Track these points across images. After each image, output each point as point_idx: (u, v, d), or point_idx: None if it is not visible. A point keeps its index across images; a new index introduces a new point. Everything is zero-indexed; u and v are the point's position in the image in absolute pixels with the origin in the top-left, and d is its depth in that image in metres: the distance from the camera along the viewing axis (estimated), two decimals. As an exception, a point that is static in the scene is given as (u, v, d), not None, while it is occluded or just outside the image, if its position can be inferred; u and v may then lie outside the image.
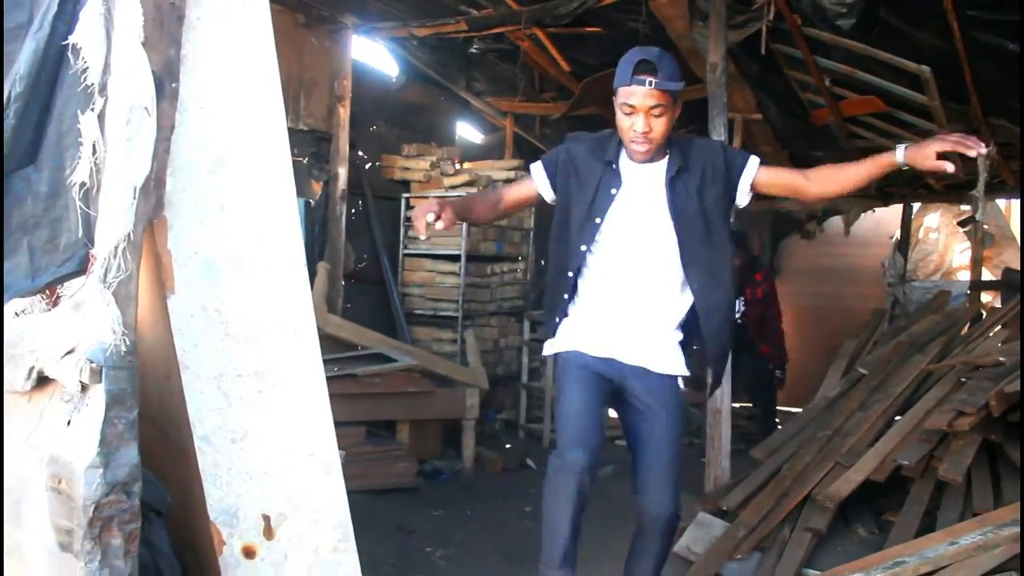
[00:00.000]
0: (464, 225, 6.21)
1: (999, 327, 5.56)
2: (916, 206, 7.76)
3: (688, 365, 2.79)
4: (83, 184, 2.00)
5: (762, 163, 2.76)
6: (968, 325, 5.87)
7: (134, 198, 1.99)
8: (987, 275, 7.09)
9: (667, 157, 2.66)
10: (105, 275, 1.95)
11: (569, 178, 2.74)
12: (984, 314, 6.09)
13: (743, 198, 2.74)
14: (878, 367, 5.39)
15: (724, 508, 4.29)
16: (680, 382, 2.77)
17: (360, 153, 6.54)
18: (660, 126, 2.55)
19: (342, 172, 6.05)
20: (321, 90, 6.08)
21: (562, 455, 2.56)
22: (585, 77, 6.10)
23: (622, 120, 2.58)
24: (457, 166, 6.60)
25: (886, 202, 7.51)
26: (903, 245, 7.50)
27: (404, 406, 4.98)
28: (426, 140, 6.82)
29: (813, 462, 4.43)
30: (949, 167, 2.58)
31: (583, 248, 2.70)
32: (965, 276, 7.44)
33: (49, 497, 1.98)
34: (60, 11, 1.96)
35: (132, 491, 1.97)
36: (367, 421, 4.85)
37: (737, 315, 6.33)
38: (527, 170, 6.45)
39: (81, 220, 2.05)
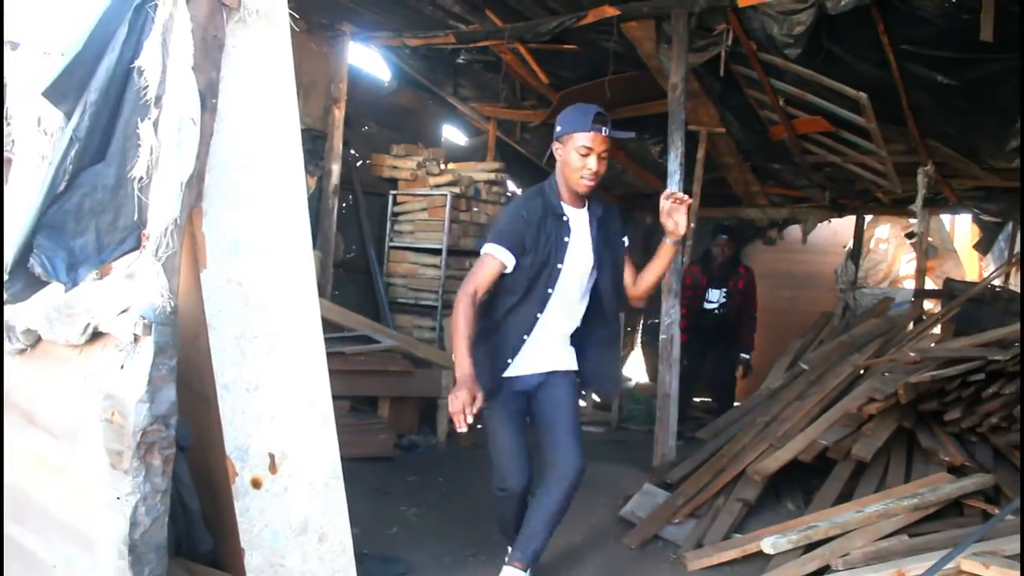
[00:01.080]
0: (446, 221, 6.73)
1: (935, 330, 6.13)
2: (868, 218, 8.32)
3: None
4: (141, 178, 2.51)
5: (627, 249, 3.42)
6: (912, 326, 6.40)
7: (181, 190, 2.50)
8: (930, 284, 7.65)
9: (588, 206, 3.28)
10: (157, 251, 2.45)
11: (527, 239, 3.17)
12: (923, 318, 6.63)
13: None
14: (819, 363, 5.92)
15: (668, 481, 4.82)
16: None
17: (352, 151, 7.05)
18: (603, 168, 3.14)
19: (335, 168, 6.55)
20: (319, 92, 6.58)
21: (505, 487, 3.30)
22: (562, 88, 6.63)
23: (575, 161, 3.11)
24: (442, 166, 7.11)
25: (840, 213, 8.07)
26: (855, 254, 8.05)
27: (385, 383, 5.50)
28: (414, 141, 7.33)
29: (750, 444, 4.96)
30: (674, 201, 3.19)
31: (549, 291, 3.24)
32: (911, 285, 7.98)
33: (103, 426, 2.48)
34: (128, 40, 2.48)
35: (170, 423, 2.48)
36: (351, 396, 5.36)
37: (716, 305, 6.82)
38: (507, 172, 6.98)
39: (137, 208, 2.55)
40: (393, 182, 7.17)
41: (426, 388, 5.74)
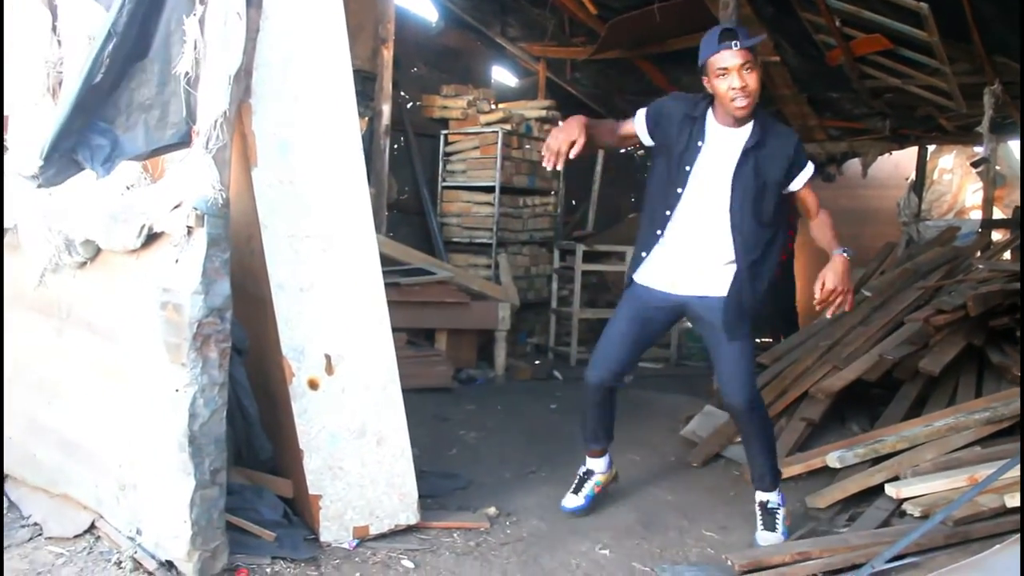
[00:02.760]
0: (498, 159, 6.68)
1: (1005, 255, 5.93)
2: (931, 148, 8.06)
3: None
4: (187, 73, 2.50)
5: (811, 178, 3.22)
6: (979, 255, 6.20)
7: (229, 83, 2.50)
8: (998, 214, 7.40)
9: (751, 128, 3.07)
10: (207, 143, 2.46)
11: (666, 129, 3.15)
12: (991, 246, 6.42)
13: (791, 190, 3.20)
14: (883, 290, 5.77)
15: (729, 404, 4.74)
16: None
17: (402, 93, 7.02)
18: (753, 81, 2.98)
19: (386, 109, 6.52)
20: (366, 33, 6.54)
21: (587, 374, 3.33)
22: (610, 19, 6.50)
23: (719, 85, 2.99)
24: (492, 106, 7.04)
25: (902, 144, 7.82)
26: (918, 186, 7.82)
27: (442, 316, 5.50)
28: (464, 83, 7.27)
29: (813, 366, 4.85)
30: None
31: (679, 190, 3.14)
32: (978, 215, 7.74)
33: (160, 321, 2.50)
34: (168, -66, 2.46)
35: (225, 316, 2.49)
36: (408, 328, 5.38)
37: None
38: (559, 110, 6.91)
39: (185, 104, 2.55)
40: (444, 123, 7.14)
41: (484, 321, 5.73)
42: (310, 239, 2.80)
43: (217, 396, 2.48)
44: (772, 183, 3.10)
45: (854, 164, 8.40)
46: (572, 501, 3.48)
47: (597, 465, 3.53)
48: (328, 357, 2.86)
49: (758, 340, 7.53)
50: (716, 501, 3.70)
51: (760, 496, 3.33)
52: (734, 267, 3.15)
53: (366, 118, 6.52)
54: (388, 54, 6.57)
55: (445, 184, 7.04)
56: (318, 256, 2.82)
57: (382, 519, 3.01)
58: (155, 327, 2.52)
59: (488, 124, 6.81)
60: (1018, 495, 2.92)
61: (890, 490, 3.34)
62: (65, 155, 2.53)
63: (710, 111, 3.11)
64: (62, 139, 2.50)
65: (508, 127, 6.74)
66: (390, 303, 3.02)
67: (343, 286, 2.87)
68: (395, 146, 6.83)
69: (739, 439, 4.36)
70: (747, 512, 3.54)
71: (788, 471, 3.91)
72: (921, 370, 4.25)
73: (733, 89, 2.95)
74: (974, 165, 7.48)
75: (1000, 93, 6.03)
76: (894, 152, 7.97)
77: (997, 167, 7.16)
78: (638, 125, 3.22)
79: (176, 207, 2.49)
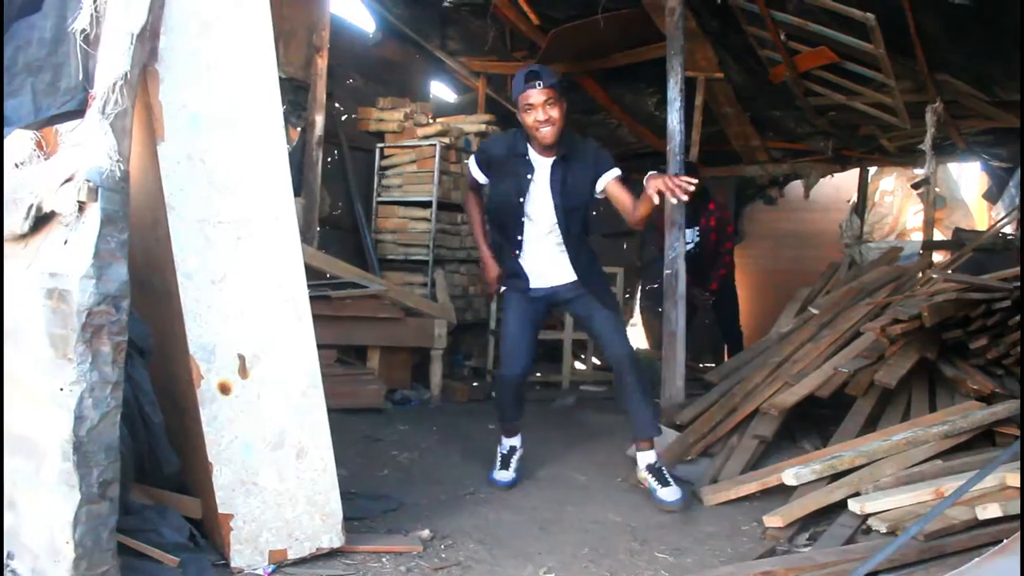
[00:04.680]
0: (436, 173, 6.44)
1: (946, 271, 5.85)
2: (872, 170, 8.05)
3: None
4: (84, 31, 2.21)
5: (619, 178, 3.67)
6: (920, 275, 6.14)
7: (132, 43, 2.21)
8: (939, 236, 7.38)
9: (557, 149, 3.60)
10: (104, 107, 2.16)
11: (497, 169, 3.74)
12: (932, 266, 6.36)
13: (598, 191, 3.67)
14: (829, 308, 5.64)
15: (678, 423, 4.52)
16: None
17: (336, 105, 6.74)
18: (556, 113, 3.48)
19: (319, 120, 6.23)
20: (299, 41, 6.26)
21: (502, 372, 3.86)
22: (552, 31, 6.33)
23: (527, 118, 3.52)
24: (430, 120, 6.80)
25: (844, 166, 7.79)
26: (860, 207, 7.79)
27: (374, 332, 5.19)
28: (401, 96, 7.01)
29: (763, 383, 4.67)
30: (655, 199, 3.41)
31: (522, 220, 3.71)
32: (919, 237, 7.72)
33: (46, 310, 2.18)
34: None
35: (121, 306, 2.18)
36: (338, 345, 5.06)
37: (691, 245, 6.51)
38: (498, 124, 6.70)
39: (82, 66, 2.25)
40: (380, 136, 6.85)
41: (419, 338, 5.43)
42: (223, 225, 2.51)
43: (109, 397, 2.16)
44: (583, 190, 3.65)
45: (796, 187, 8.37)
46: (504, 475, 3.88)
47: (518, 441, 3.99)
48: (242, 358, 2.56)
49: (700, 364, 7.41)
50: (668, 522, 3.45)
51: (645, 459, 3.75)
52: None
53: (298, 129, 6.23)
54: (322, 63, 6.30)
55: (380, 199, 6.74)
56: (232, 244, 2.52)
57: (302, 542, 2.69)
58: (40, 319, 2.20)
59: (426, 137, 6.56)
60: (991, 507, 2.74)
61: (854, 506, 3.14)
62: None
63: (529, 146, 3.63)
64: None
65: (446, 140, 6.49)
66: (319, 317, 2.75)
67: (260, 278, 2.57)
68: (328, 159, 6.53)
69: (690, 457, 4.16)
70: (702, 533, 3.32)
71: (742, 490, 3.72)
72: (877, 382, 4.08)
73: (538, 121, 3.48)
74: (915, 187, 7.47)
75: (941, 112, 6.00)
76: (836, 174, 7.94)
77: (937, 189, 7.13)
78: (475, 173, 3.85)
79: (67, 181, 2.18)
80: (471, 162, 3.87)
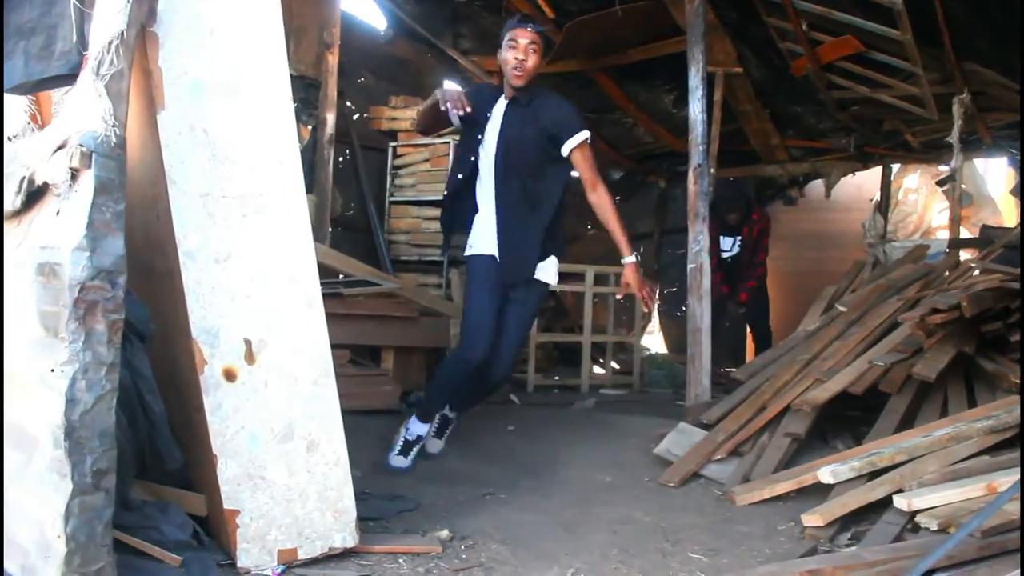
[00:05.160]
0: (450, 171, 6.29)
1: (976, 272, 5.66)
2: (895, 167, 7.85)
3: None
4: (77, -12, 2.06)
5: (585, 144, 3.62)
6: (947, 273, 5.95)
7: (128, 1, 2.05)
8: (965, 234, 7.18)
9: (519, 97, 3.60)
10: (98, 68, 2.01)
11: (473, 113, 3.59)
12: (959, 265, 6.17)
13: (563, 152, 3.61)
14: (857, 305, 5.46)
15: (705, 421, 4.34)
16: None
17: (348, 104, 6.61)
18: (533, 60, 3.52)
19: (330, 118, 6.10)
20: (310, 38, 6.14)
21: (468, 353, 3.57)
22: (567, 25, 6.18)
23: (507, 54, 3.53)
24: (443, 118, 6.65)
25: (865, 164, 7.59)
26: (883, 206, 7.58)
27: (388, 332, 5.02)
28: (413, 95, 6.88)
29: (793, 381, 4.48)
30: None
31: (472, 158, 3.71)
32: (945, 236, 7.52)
33: (36, 286, 2.03)
34: None
35: (117, 282, 2.03)
36: (351, 345, 4.89)
37: (729, 253, 6.40)
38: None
39: (76, 29, 2.10)
40: (392, 135, 6.71)
41: (434, 338, 5.26)
42: (227, 200, 2.35)
43: (104, 379, 2.00)
44: (534, 139, 3.57)
45: (816, 188, 8.18)
46: (401, 461, 3.81)
47: (426, 431, 3.89)
48: (248, 343, 2.39)
49: (721, 370, 7.22)
50: (700, 522, 3.27)
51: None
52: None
53: (309, 127, 6.10)
54: (333, 60, 6.17)
55: (393, 199, 6.60)
56: (237, 221, 2.37)
57: (313, 541, 2.52)
58: (31, 296, 2.05)
59: (439, 135, 6.41)
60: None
61: (900, 502, 2.94)
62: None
63: (501, 92, 3.66)
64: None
65: (460, 138, 6.34)
66: (331, 316, 2.58)
67: (267, 258, 2.41)
68: (340, 159, 6.39)
69: (719, 456, 3.97)
70: (737, 534, 3.14)
71: (776, 489, 3.53)
72: (914, 375, 3.89)
73: (516, 60, 3.50)
74: (940, 183, 7.27)
75: (969, 103, 5.82)
76: (858, 172, 7.73)
77: (963, 186, 6.93)
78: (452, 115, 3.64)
79: (59, 148, 2.03)
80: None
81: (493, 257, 3.62)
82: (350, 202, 6.53)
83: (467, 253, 3.76)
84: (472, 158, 3.72)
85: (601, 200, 3.65)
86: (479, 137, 3.67)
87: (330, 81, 6.15)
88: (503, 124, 3.61)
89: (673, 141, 7.82)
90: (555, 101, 3.68)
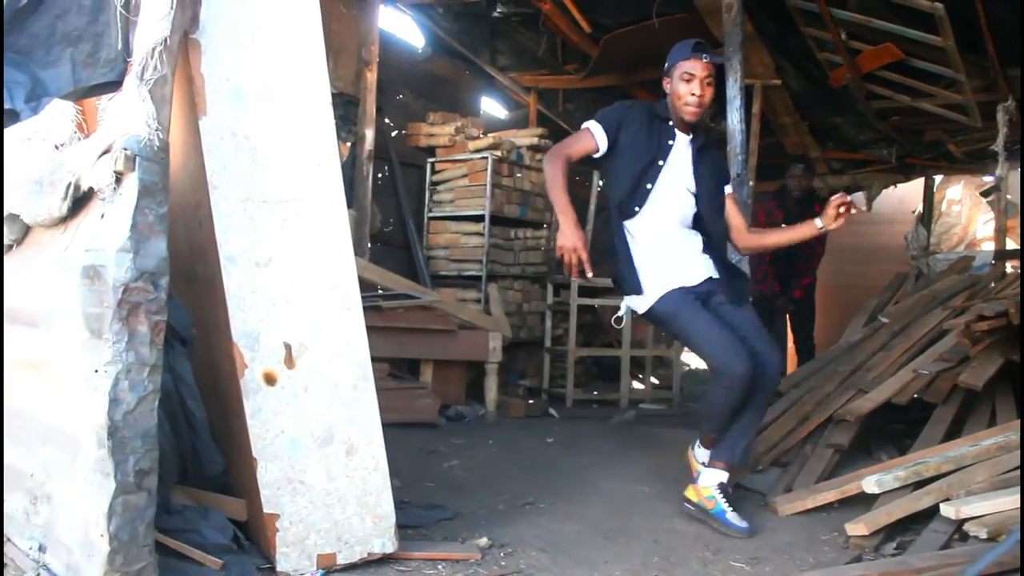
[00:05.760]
0: (488, 186, 6.32)
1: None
2: (938, 179, 7.75)
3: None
4: (125, -1, 2.11)
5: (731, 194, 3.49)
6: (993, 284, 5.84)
7: (172, 7, 2.09)
8: (1011, 245, 7.05)
9: (695, 134, 3.35)
10: (142, 73, 2.05)
11: (623, 135, 3.29)
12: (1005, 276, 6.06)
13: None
14: (900, 316, 5.37)
15: (746, 433, 4.28)
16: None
17: (387, 120, 6.68)
18: (709, 94, 3.23)
19: (369, 134, 6.17)
20: (349, 55, 6.23)
21: (731, 374, 3.08)
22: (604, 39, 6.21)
23: (680, 87, 3.22)
24: (480, 134, 6.70)
25: (907, 176, 7.50)
26: (926, 218, 7.49)
27: (427, 345, 5.04)
28: (451, 111, 6.94)
29: (835, 392, 4.43)
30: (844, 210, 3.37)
31: (648, 187, 3.31)
32: (990, 247, 7.39)
33: (81, 289, 2.06)
34: None
35: (160, 284, 2.05)
36: (390, 358, 4.91)
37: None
38: (550, 137, 6.55)
39: (122, 36, 2.15)
40: (430, 151, 6.77)
41: (473, 351, 5.26)
42: (268, 205, 2.38)
43: (147, 380, 2.03)
44: (712, 183, 3.39)
45: (858, 198, 8.08)
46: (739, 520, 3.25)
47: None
48: (288, 347, 2.41)
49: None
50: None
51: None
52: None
53: (348, 143, 6.17)
54: (372, 77, 6.25)
55: (432, 215, 6.65)
56: (278, 225, 2.39)
57: (352, 546, 2.52)
58: (76, 299, 2.08)
59: (477, 150, 6.45)
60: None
61: (947, 510, 2.88)
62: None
63: (671, 122, 3.32)
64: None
65: (498, 154, 6.38)
66: (370, 329, 2.58)
67: (307, 263, 2.43)
68: (379, 175, 6.45)
69: (760, 467, 3.92)
70: (779, 543, 3.09)
71: (819, 499, 3.48)
72: (961, 383, 3.82)
73: (693, 95, 3.20)
74: (984, 194, 7.16)
75: (1014, 111, 5.72)
76: (899, 184, 7.64)
77: (1008, 196, 6.82)
78: (599, 137, 3.29)
79: (104, 153, 2.07)
80: (592, 125, 3.32)
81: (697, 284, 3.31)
82: (389, 218, 6.58)
83: (662, 293, 3.27)
84: (649, 187, 3.31)
85: (755, 239, 3.53)
86: (659, 163, 3.30)
87: (369, 98, 6.22)
88: (691, 164, 3.33)
89: (712, 152, 7.78)
90: (713, 145, 3.53)
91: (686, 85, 3.21)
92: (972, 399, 4.00)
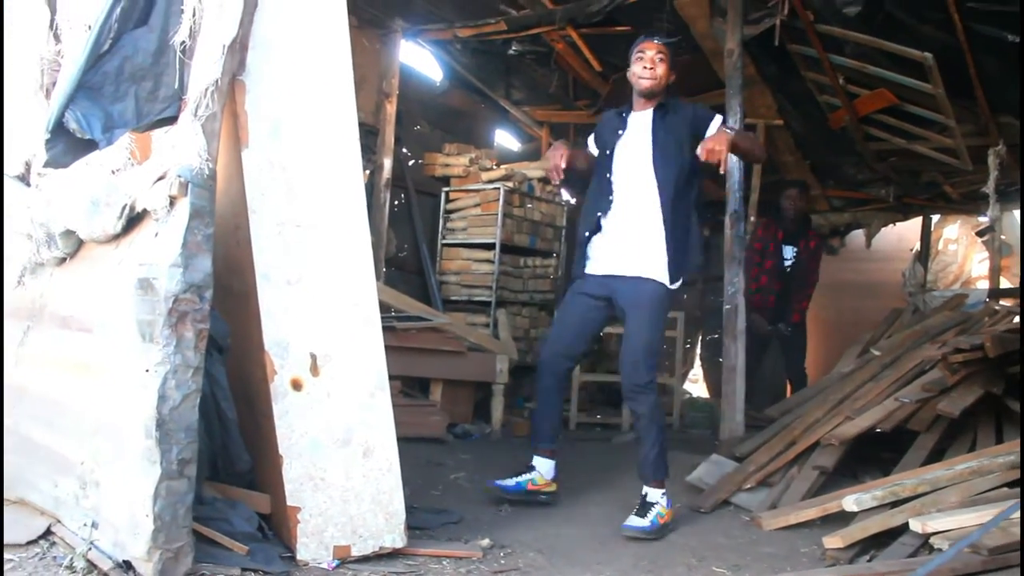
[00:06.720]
0: (499, 216, 6.60)
1: (1014, 319, 5.76)
2: (935, 218, 7.99)
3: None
4: (183, 42, 2.40)
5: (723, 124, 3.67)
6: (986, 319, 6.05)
7: (223, 53, 2.39)
8: (1005, 283, 7.27)
9: (655, 103, 3.67)
10: (196, 110, 2.33)
11: (600, 137, 3.84)
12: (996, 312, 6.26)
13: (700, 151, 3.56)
14: (891, 350, 5.60)
15: (737, 455, 4.52)
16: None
17: (404, 150, 6.99)
18: (661, 69, 3.63)
19: (387, 163, 6.47)
20: (370, 87, 6.54)
21: (542, 355, 3.85)
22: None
23: (635, 67, 3.66)
24: (494, 165, 7.00)
25: (906, 215, 7.74)
26: (923, 256, 7.71)
27: (437, 364, 5.30)
28: (466, 143, 7.25)
29: (823, 418, 4.65)
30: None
31: (608, 176, 3.69)
32: (985, 285, 7.61)
33: (135, 299, 2.33)
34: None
35: (204, 296, 2.33)
36: (402, 376, 5.17)
37: (789, 262, 6.44)
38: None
39: (178, 76, 2.44)
40: (445, 181, 7.08)
41: (481, 372, 5.52)
42: (300, 228, 2.66)
43: (191, 380, 2.30)
44: (678, 149, 3.59)
45: (857, 238, 8.32)
46: (503, 480, 3.79)
47: (541, 465, 3.84)
48: (313, 356, 2.68)
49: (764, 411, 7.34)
50: (726, 543, 3.45)
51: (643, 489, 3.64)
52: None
53: (367, 171, 6.46)
54: (391, 109, 6.56)
55: (445, 242, 6.94)
56: (308, 247, 2.67)
57: (366, 539, 2.77)
58: (130, 307, 2.35)
59: (490, 181, 6.75)
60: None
61: (915, 524, 3.10)
62: (65, 126, 2.43)
63: (632, 109, 3.73)
64: (65, 113, 2.40)
65: (510, 185, 6.68)
66: (384, 347, 2.85)
67: (332, 282, 2.71)
68: (395, 202, 6.75)
69: (749, 486, 4.15)
70: (761, 554, 3.31)
71: (802, 515, 3.69)
72: (939, 412, 4.04)
73: (644, 68, 3.61)
74: (979, 234, 7.39)
75: (1005, 155, 5.97)
76: (898, 223, 7.88)
77: (1003, 236, 7.06)
78: (590, 146, 3.88)
79: (159, 179, 2.35)
80: (590, 140, 3.91)
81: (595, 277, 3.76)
82: (404, 243, 6.87)
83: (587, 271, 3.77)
84: (606, 173, 3.72)
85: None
86: (608, 153, 3.72)
87: (388, 128, 6.52)
88: (645, 138, 3.63)
89: (716, 191, 8.04)
90: (686, 106, 3.73)
91: (639, 63, 3.64)
92: (955, 428, 4.20)
